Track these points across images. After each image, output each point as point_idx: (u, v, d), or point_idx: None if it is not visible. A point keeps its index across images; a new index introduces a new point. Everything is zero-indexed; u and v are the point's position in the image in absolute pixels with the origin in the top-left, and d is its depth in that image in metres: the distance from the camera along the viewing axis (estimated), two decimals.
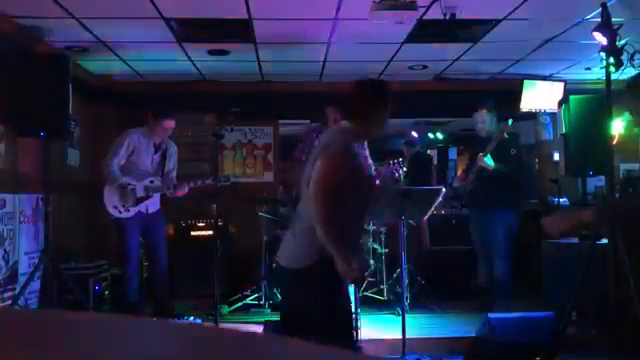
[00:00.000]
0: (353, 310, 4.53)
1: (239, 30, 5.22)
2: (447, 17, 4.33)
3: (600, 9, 4.11)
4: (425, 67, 6.69)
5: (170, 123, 5.23)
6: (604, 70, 4.15)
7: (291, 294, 2.84)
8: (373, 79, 3.15)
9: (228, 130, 5.61)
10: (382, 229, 6.21)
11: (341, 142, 2.75)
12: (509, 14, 4.85)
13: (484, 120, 5.39)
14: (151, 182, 5.22)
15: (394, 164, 4.62)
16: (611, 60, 4.04)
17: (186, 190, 5.22)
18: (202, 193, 5.41)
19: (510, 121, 5.25)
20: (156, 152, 5.30)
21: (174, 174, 5.43)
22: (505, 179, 5.18)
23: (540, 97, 6.97)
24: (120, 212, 5.11)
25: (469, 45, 5.80)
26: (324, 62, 6.43)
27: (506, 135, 5.20)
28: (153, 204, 5.28)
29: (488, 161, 5.14)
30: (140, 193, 5.15)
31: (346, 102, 2.91)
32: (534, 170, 7.78)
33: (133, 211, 5.15)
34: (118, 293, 5.59)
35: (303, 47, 5.86)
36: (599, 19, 4.12)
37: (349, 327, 2.92)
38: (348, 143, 2.74)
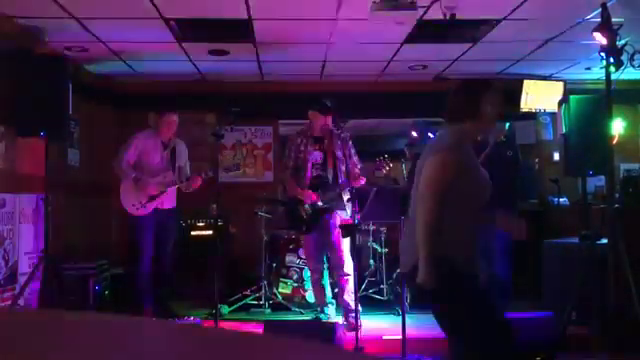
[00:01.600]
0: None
1: (239, 30, 5.22)
2: (447, 17, 4.32)
3: (600, 9, 4.11)
4: (425, 67, 6.69)
5: (171, 117, 5.40)
6: (604, 70, 4.15)
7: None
8: (475, 79, 3.09)
9: (228, 130, 5.62)
10: (382, 229, 6.22)
11: (448, 141, 2.76)
12: (509, 14, 4.85)
13: None
14: (164, 177, 5.33)
15: (379, 161, 4.66)
16: (611, 60, 4.03)
17: (199, 182, 5.35)
18: (202, 193, 5.42)
19: (507, 124, 5.24)
20: (165, 149, 5.42)
21: (187, 170, 5.57)
22: (502, 182, 5.15)
23: (540, 97, 6.97)
24: (137, 209, 5.23)
25: (469, 45, 5.80)
26: (324, 62, 6.43)
27: (503, 138, 5.19)
28: (168, 200, 5.39)
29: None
30: (154, 189, 5.27)
31: (449, 103, 2.90)
32: (534, 170, 7.77)
33: (150, 207, 5.26)
34: (123, 292, 5.62)
35: (303, 47, 5.86)
36: (599, 19, 4.12)
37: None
38: (455, 141, 2.74)
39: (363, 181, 4.96)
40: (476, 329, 2.62)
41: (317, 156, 5.10)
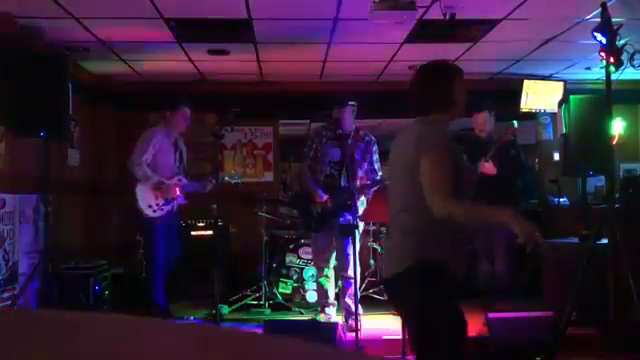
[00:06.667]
0: (359, 311, 4.55)
1: (239, 30, 5.22)
2: (447, 17, 4.33)
3: (600, 9, 4.11)
4: None
5: (188, 111, 5.30)
6: (604, 70, 4.15)
7: (398, 301, 2.79)
8: (430, 63, 2.76)
9: (228, 130, 5.62)
10: (382, 229, 6.22)
11: (439, 134, 2.57)
12: (509, 14, 4.85)
13: (485, 121, 5.35)
14: (179, 180, 5.27)
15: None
16: (611, 60, 4.03)
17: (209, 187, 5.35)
18: (202, 193, 5.42)
19: (515, 122, 5.22)
20: (176, 150, 5.35)
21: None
22: (505, 181, 5.15)
23: (540, 97, 6.97)
24: (155, 211, 5.13)
25: (469, 45, 5.80)
26: (324, 62, 6.43)
27: (511, 137, 5.16)
28: (179, 201, 5.34)
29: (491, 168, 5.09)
30: (174, 192, 5.20)
31: (414, 93, 2.68)
32: (534, 170, 7.77)
33: (166, 209, 5.18)
34: (123, 292, 5.61)
35: (303, 47, 5.86)
36: (599, 19, 4.12)
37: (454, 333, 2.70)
38: (446, 134, 2.62)
39: (369, 195, 4.91)
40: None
41: (336, 154, 5.00)
